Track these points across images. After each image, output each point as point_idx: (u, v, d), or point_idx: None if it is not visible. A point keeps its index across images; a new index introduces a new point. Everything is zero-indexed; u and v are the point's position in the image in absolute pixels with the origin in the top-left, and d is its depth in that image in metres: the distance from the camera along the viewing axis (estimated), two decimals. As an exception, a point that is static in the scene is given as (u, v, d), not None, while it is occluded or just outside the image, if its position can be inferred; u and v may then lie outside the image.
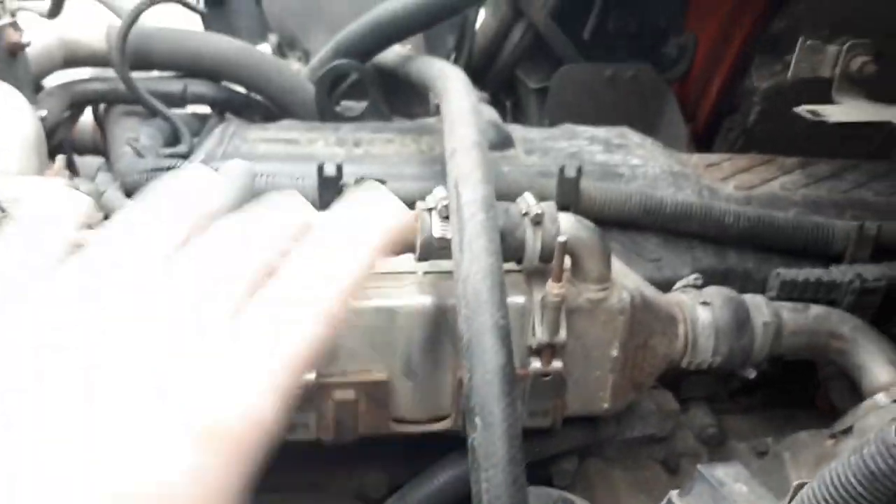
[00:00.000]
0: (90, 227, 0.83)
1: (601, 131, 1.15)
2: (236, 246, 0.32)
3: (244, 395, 0.29)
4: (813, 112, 0.66)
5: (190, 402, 0.28)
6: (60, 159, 0.80)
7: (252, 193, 0.75)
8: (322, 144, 1.02)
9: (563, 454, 0.94)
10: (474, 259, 0.62)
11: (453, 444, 0.83)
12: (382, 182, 0.77)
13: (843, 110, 0.67)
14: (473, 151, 0.69)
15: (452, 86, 0.86)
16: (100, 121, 1.17)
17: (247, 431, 0.29)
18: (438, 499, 0.85)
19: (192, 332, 0.29)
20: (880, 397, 0.83)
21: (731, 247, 1.00)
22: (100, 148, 1.23)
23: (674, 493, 0.56)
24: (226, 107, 1.16)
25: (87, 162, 1.35)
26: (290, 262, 0.32)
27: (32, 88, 1.08)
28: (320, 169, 0.85)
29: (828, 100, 0.90)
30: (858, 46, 0.69)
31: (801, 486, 0.46)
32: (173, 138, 1.06)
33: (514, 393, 0.57)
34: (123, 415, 0.27)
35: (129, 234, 0.32)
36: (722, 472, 0.50)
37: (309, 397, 0.77)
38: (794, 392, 1.07)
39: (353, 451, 0.87)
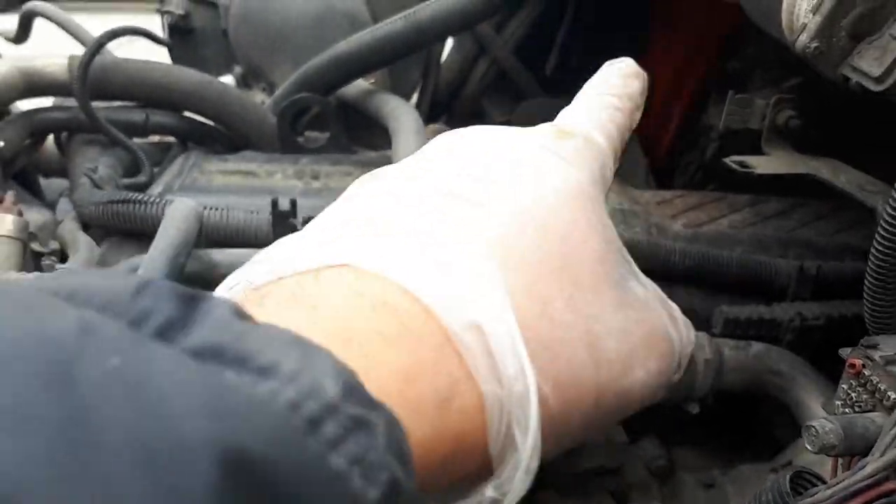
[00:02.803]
0: (45, 254, 0.83)
1: (557, 167, 1.18)
2: None
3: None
4: (740, 163, 0.69)
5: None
6: (10, 195, 0.81)
7: (200, 229, 0.77)
8: (280, 177, 1.04)
9: (512, 486, 0.96)
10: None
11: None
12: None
13: (770, 162, 0.70)
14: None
15: (403, 127, 0.89)
16: (62, 148, 1.18)
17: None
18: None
19: None
20: (815, 434, 0.85)
21: (678, 284, 1.02)
22: (66, 171, 1.24)
23: (597, 533, 0.58)
24: (188, 137, 1.17)
25: (54, 185, 1.35)
26: None
27: (-7, 116, 1.09)
28: (274, 203, 0.86)
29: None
30: (784, 101, 0.73)
31: (709, 528, 0.48)
32: (134, 168, 1.07)
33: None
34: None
35: None
36: (641, 513, 0.51)
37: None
38: (743, 424, 1.10)
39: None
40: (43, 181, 1.33)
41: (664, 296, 0.37)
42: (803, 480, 0.44)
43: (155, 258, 0.62)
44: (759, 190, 1.29)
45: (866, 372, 0.45)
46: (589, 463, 1.01)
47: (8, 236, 0.74)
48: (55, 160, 1.27)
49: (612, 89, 0.42)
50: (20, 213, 0.76)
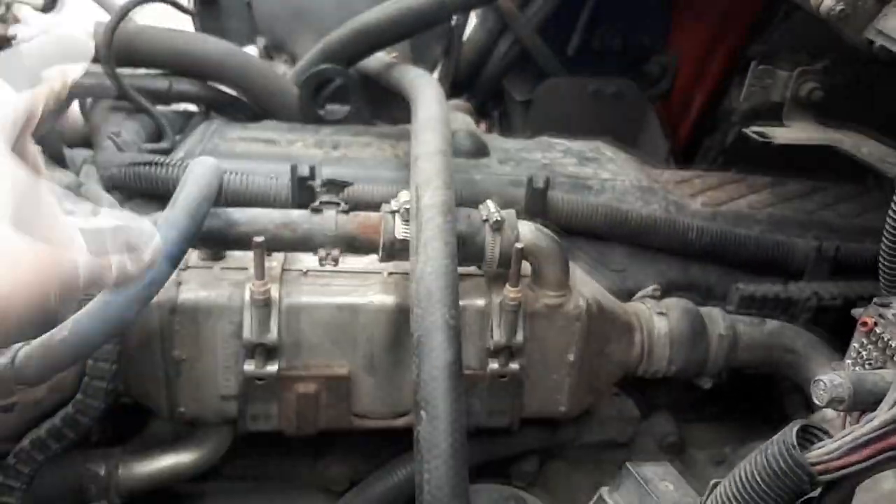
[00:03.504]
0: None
1: (576, 144, 1.18)
2: None
3: None
4: (760, 133, 0.69)
5: None
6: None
7: (221, 191, 0.78)
8: (301, 146, 1.04)
9: (522, 455, 0.97)
10: (429, 260, 0.64)
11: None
12: (349, 184, 0.79)
13: (790, 132, 0.70)
14: (436, 158, 0.72)
15: (423, 95, 0.89)
16: (86, 115, 1.20)
17: None
18: (398, 493, 0.87)
19: None
20: (828, 411, 0.85)
21: (695, 261, 1.02)
22: (90, 141, 1.26)
23: (604, 490, 0.58)
24: (211, 105, 1.18)
25: (78, 156, 1.37)
26: None
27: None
28: (294, 169, 0.87)
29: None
30: (808, 73, 0.72)
31: (716, 484, 0.48)
32: (156, 134, 1.09)
33: (459, 389, 0.59)
34: None
35: None
36: (649, 471, 0.52)
37: (272, 389, 0.79)
38: (756, 403, 1.10)
39: (317, 443, 0.89)
40: (67, 151, 1.35)
41: (68, 237, 0.39)
42: (810, 434, 0.44)
43: (175, 208, 0.63)
44: (779, 173, 1.28)
45: (878, 329, 0.45)
46: (599, 436, 1.02)
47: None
48: (79, 130, 1.29)
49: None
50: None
